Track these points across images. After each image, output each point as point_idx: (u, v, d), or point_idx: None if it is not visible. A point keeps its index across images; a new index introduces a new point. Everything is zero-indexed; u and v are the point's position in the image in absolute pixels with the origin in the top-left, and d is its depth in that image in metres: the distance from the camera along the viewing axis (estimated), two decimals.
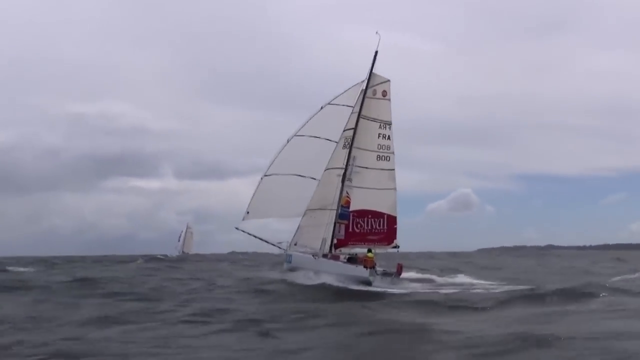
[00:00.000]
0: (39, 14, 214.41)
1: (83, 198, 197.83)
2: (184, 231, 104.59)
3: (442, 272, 36.14)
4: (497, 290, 23.56)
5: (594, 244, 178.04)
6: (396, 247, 30.76)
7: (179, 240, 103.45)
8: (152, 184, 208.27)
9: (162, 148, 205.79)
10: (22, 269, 42.00)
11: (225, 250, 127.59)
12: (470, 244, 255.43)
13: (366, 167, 29.97)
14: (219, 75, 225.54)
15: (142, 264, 53.41)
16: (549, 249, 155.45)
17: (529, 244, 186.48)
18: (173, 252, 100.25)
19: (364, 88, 30.00)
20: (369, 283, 27.01)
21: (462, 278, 31.74)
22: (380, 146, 29.92)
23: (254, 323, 14.54)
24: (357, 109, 29.97)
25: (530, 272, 38.49)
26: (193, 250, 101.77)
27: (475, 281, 29.42)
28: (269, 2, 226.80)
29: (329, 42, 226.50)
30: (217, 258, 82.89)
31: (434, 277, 32.59)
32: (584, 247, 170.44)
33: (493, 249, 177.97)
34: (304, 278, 27.37)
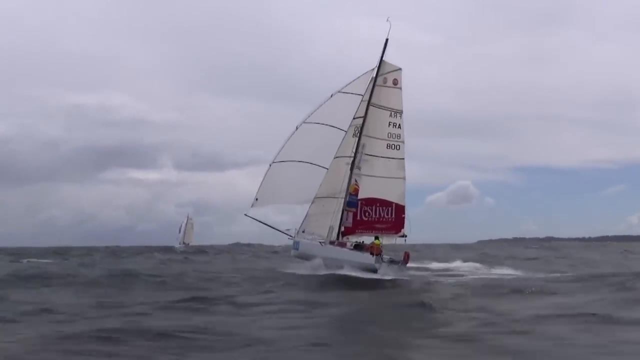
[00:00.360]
0: (38, 5, 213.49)
1: (82, 189, 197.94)
2: (185, 222, 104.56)
3: (482, 262, 35.78)
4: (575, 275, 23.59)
5: (593, 235, 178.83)
6: (404, 236, 30.67)
7: (179, 232, 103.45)
8: (151, 175, 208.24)
9: (162, 140, 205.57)
10: (45, 260, 41.04)
11: (225, 241, 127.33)
12: (469, 236, 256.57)
13: (375, 156, 29.87)
14: (219, 67, 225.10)
15: (161, 255, 52.69)
16: (548, 241, 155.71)
17: (528, 236, 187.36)
18: (175, 243, 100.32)
19: (374, 76, 29.90)
20: (374, 270, 27.04)
21: (506, 270, 30.91)
22: (391, 135, 29.80)
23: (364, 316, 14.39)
24: (366, 97, 29.87)
25: (568, 264, 37.31)
26: (193, 241, 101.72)
27: (523, 273, 28.75)
28: None
29: (329, 34, 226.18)
30: (230, 250, 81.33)
31: (477, 265, 32.48)
32: (583, 239, 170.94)
33: (492, 240, 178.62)
34: (311, 268, 27.33)
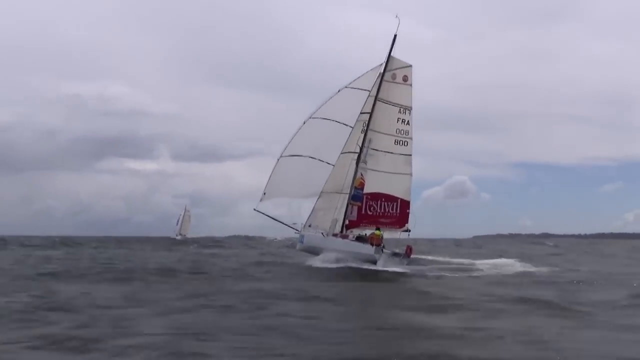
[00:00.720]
0: None
1: (79, 179, 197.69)
2: (182, 214, 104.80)
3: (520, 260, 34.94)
4: None
5: (588, 232, 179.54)
6: (407, 230, 30.91)
7: (177, 224, 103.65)
8: (148, 166, 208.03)
9: (159, 130, 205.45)
10: (59, 251, 39.83)
11: (221, 233, 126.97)
12: (465, 231, 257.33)
13: (383, 151, 30.04)
14: (218, 59, 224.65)
15: (184, 247, 50.74)
16: (545, 237, 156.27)
17: (524, 232, 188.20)
18: (172, 235, 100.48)
19: (382, 72, 30.01)
20: (373, 261, 27.37)
21: (555, 267, 30.02)
22: (399, 131, 29.93)
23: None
24: (374, 92, 29.99)
25: (619, 260, 36.15)
26: (189, 233, 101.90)
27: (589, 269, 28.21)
28: None
29: (327, 28, 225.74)
30: (241, 242, 76.97)
31: (516, 262, 32.37)
32: (579, 236, 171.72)
33: (488, 236, 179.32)
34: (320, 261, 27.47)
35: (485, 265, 30.79)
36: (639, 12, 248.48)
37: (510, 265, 30.99)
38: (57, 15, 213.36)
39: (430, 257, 35.96)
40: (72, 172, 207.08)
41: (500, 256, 38.35)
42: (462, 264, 31.62)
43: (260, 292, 16.28)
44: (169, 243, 66.15)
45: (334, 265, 26.53)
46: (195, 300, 14.70)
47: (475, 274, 25.77)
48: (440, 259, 33.05)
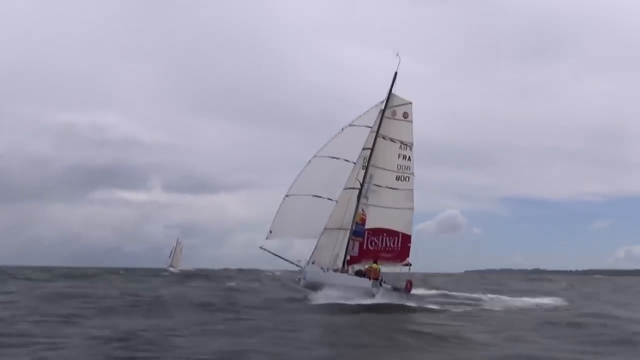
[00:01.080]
0: (32, 23, 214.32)
1: (70, 209, 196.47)
2: (175, 246, 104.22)
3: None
4: None
5: (580, 269, 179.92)
6: (407, 264, 31.12)
7: (170, 256, 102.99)
8: (140, 196, 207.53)
9: (153, 161, 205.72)
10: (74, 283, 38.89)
11: (213, 265, 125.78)
12: (456, 265, 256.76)
13: (384, 186, 30.42)
14: (212, 90, 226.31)
15: (197, 283, 48.56)
16: (536, 273, 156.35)
17: (515, 267, 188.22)
18: (163, 266, 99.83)
19: (383, 108, 30.66)
20: (371, 295, 27.44)
21: (602, 304, 30.13)
22: (400, 167, 30.47)
23: None
24: (375, 128, 30.59)
25: None
26: (180, 265, 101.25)
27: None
28: (264, 18, 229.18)
29: (323, 61, 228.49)
30: (250, 277, 76.25)
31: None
32: (570, 272, 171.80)
33: (480, 271, 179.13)
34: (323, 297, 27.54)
35: (533, 302, 30.62)
36: (632, 49, 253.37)
37: (559, 302, 31.00)
38: (50, 43, 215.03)
39: (462, 294, 35.51)
40: (63, 202, 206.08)
41: (521, 293, 37.90)
42: (503, 300, 31.46)
43: (347, 327, 16.44)
44: (179, 276, 64.36)
45: (341, 302, 26.62)
46: (296, 333, 14.79)
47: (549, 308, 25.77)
48: (477, 296, 32.86)
